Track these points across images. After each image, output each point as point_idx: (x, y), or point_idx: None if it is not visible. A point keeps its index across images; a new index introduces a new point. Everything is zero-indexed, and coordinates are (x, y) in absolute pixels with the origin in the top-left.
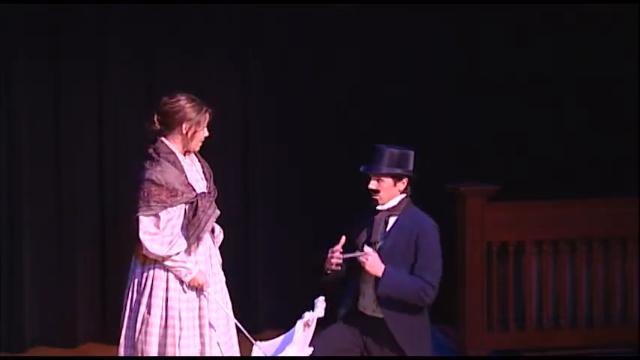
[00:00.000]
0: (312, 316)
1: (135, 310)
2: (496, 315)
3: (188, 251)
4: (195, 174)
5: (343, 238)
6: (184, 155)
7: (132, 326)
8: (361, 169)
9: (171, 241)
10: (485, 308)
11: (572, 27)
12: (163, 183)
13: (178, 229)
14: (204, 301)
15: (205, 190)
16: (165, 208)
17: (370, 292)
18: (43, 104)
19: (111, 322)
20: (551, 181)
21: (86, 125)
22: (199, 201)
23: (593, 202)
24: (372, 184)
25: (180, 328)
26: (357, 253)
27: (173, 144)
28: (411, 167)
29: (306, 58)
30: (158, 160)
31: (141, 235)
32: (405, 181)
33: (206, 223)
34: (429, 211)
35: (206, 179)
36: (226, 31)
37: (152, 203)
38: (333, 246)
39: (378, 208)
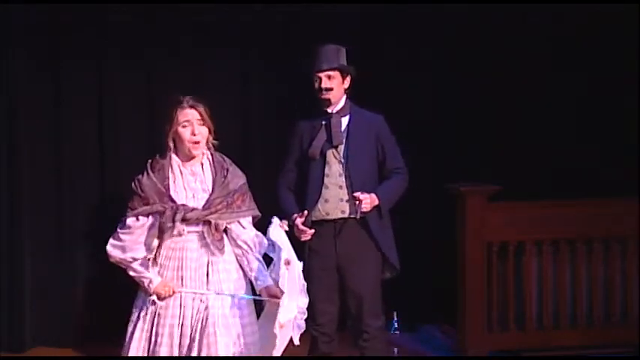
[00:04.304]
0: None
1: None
2: (496, 315)
3: (153, 262)
4: (196, 184)
5: (305, 213)
6: (192, 162)
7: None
8: (320, 68)
9: (128, 247)
10: (485, 308)
11: (573, 27)
12: (138, 190)
13: (143, 237)
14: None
15: (188, 203)
16: (135, 215)
17: (334, 195)
18: (43, 104)
19: (111, 322)
20: (551, 181)
21: (86, 125)
22: (166, 212)
23: (593, 202)
24: (326, 83)
25: (157, 335)
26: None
27: (175, 153)
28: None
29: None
30: (146, 169)
31: (111, 236)
32: (348, 78)
33: (162, 235)
34: (429, 211)
35: (212, 190)
36: (226, 31)
37: (127, 209)
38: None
39: (329, 110)
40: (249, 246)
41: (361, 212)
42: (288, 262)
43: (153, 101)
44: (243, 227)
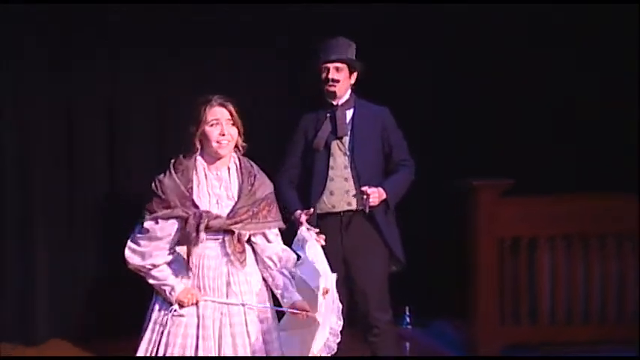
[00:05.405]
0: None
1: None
2: (508, 310)
3: (179, 268)
4: (221, 190)
5: (312, 210)
6: (218, 166)
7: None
8: (329, 58)
9: (148, 253)
10: (497, 303)
11: (573, 27)
12: (159, 191)
13: (164, 243)
14: (206, 320)
15: (212, 209)
16: (153, 218)
17: (340, 188)
18: (43, 104)
19: (120, 318)
20: (550, 182)
21: (96, 125)
22: (189, 219)
23: (605, 197)
24: (334, 74)
25: (169, 344)
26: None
27: (199, 155)
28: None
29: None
30: (168, 169)
31: (128, 240)
32: (355, 74)
33: (189, 244)
34: (441, 206)
35: (237, 198)
36: (226, 31)
37: (145, 211)
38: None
39: (335, 102)
40: (274, 262)
41: (369, 206)
42: (326, 292)
43: (153, 101)
44: (269, 241)
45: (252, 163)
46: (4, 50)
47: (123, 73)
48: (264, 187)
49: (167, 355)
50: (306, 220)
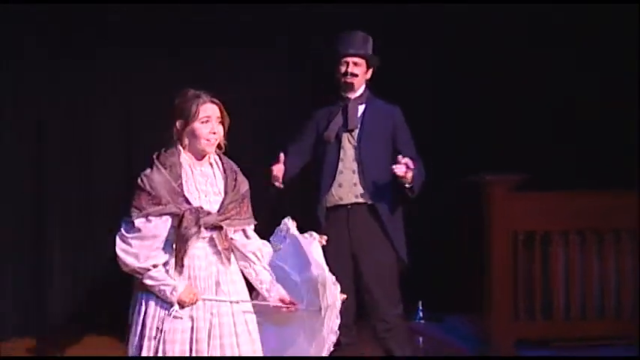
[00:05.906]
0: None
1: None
2: (522, 304)
3: (175, 269)
4: (207, 186)
5: (282, 156)
6: (201, 162)
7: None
8: (348, 52)
9: (143, 253)
10: (511, 297)
11: (573, 27)
12: (147, 188)
13: (159, 242)
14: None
15: (202, 205)
16: (144, 215)
17: (348, 180)
18: (42, 105)
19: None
20: (552, 182)
21: (95, 125)
22: (186, 215)
23: (619, 193)
24: (353, 68)
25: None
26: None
27: (184, 150)
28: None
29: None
30: (154, 164)
31: (116, 240)
32: (371, 70)
33: (187, 241)
34: (451, 200)
35: (224, 194)
36: (226, 31)
37: (132, 208)
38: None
39: (349, 96)
40: (257, 257)
41: (404, 175)
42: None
43: (153, 101)
44: (249, 237)
45: (229, 159)
46: (4, 50)
47: (123, 73)
48: (245, 183)
49: None
50: (283, 176)
